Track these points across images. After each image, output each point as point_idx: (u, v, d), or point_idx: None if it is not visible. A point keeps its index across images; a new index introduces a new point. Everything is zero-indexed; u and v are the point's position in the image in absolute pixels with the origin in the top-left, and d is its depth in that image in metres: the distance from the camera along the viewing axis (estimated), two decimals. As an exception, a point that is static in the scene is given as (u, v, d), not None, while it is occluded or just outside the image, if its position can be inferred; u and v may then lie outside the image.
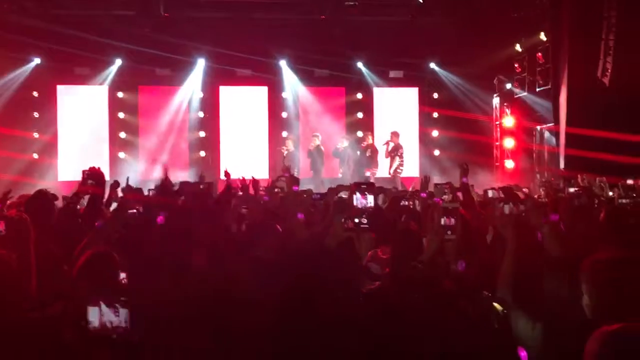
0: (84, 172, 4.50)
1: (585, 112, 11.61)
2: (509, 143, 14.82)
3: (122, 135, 15.02)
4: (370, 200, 3.45)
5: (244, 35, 13.55)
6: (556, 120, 12.94)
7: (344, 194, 5.47)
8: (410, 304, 2.54)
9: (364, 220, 3.36)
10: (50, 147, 14.54)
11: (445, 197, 6.12)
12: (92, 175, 4.42)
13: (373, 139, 14.42)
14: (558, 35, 12.72)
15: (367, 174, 13.65)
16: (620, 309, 2.14)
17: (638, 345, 1.69)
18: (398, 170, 13.88)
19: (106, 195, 5.59)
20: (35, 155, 14.37)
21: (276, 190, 7.25)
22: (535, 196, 8.44)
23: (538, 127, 14.10)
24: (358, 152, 14.36)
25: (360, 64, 15.20)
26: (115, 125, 15.03)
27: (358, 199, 3.48)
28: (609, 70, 11.37)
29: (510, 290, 2.64)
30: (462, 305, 2.55)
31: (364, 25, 14.04)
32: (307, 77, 15.12)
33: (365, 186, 3.53)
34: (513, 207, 2.96)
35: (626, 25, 11.04)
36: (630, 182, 8.33)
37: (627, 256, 2.29)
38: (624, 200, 6.23)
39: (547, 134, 13.82)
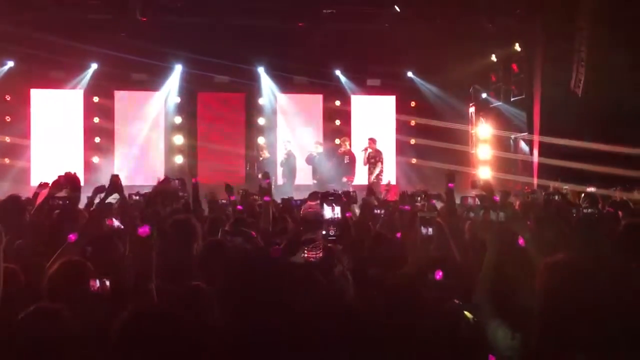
0: (59, 177, 4.44)
1: (558, 122, 11.80)
2: (484, 152, 14.99)
3: (97, 140, 14.84)
4: (337, 211, 3.31)
5: (221, 42, 13.51)
6: (530, 130, 13.14)
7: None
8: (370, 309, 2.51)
9: (332, 232, 3.24)
10: (22, 152, 14.30)
11: (417, 203, 6.10)
12: (68, 181, 4.37)
13: (350, 145, 14.32)
14: (532, 47, 12.94)
15: (344, 180, 13.38)
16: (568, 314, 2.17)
17: None
18: (381, 177, 13.65)
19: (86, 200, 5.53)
20: (7, 160, 14.13)
21: (253, 197, 7.21)
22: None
23: (512, 136, 14.29)
24: (335, 159, 14.23)
25: (338, 72, 15.25)
26: (90, 130, 14.86)
27: (325, 210, 3.31)
28: (582, 82, 11.58)
29: (489, 298, 2.65)
30: (427, 313, 2.54)
31: (342, 33, 14.11)
32: (285, 83, 15.13)
33: (333, 197, 3.41)
34: (494, 214, 2.97)
35: (598, 37, 11.26)
36: (590, 189, 8.46)
37: (579, 259, 2.31)
38: (589, 210, 6.32)
39: (521, 143, 14.01)
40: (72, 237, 3.42)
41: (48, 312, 2.50)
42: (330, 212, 3.29)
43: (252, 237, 4.48)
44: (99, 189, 6.42)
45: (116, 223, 4.17)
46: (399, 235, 4.83)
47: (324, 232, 3.20)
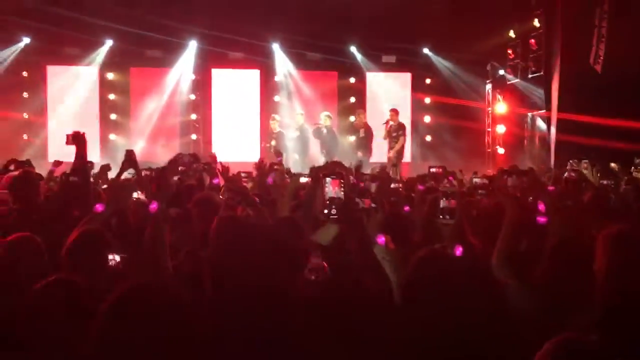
0: (67, 136, 4.49)
1: (577, 99, 11.66)
2: (500, 129, 14.85)
3: (113, 116, 14.90)
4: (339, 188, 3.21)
5: (236, 18, 13.43)
6: (548, 107, 12.98)
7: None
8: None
9: (334, 211, 3.13)
10: (40, 129, 14.42)
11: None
12: (74, 137, 4.42)
13: (366, 118, 13.57)
14: (551, 22, 12.72)
15: (359, 155, 12.51)
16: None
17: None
18: (402, 153, 12.94)
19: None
20: (25, 137, 14.27)
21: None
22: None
23: (529, 114, 14.14)
24: (351, 137, 13.95)
25: (353, 48, 15.11)
26: (105, 106, 14.91)
27: (327, 188, 3.20)
28: (601, 58, 11.40)
29: (507, 261, 2.66)
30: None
31: (357, 9, 13.94)
32: (299, 60, 15.03)
33: (335, 175, 3.30)
34: (516, 180, 2.95)
35: (618, 13, 11.06)
36: (612, 165, 8.38)
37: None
38: (605, 182, 6.30)
39: (538, 121, 13.86)
40: (99, 207, 3.44)
41: (66, 283, 2.52)
42: (332, 190, 3.17)
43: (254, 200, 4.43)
44: (105, 167, 6.49)
45: (141, 197, 4.20)
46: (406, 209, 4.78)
47: (325, 211, 3.10)
